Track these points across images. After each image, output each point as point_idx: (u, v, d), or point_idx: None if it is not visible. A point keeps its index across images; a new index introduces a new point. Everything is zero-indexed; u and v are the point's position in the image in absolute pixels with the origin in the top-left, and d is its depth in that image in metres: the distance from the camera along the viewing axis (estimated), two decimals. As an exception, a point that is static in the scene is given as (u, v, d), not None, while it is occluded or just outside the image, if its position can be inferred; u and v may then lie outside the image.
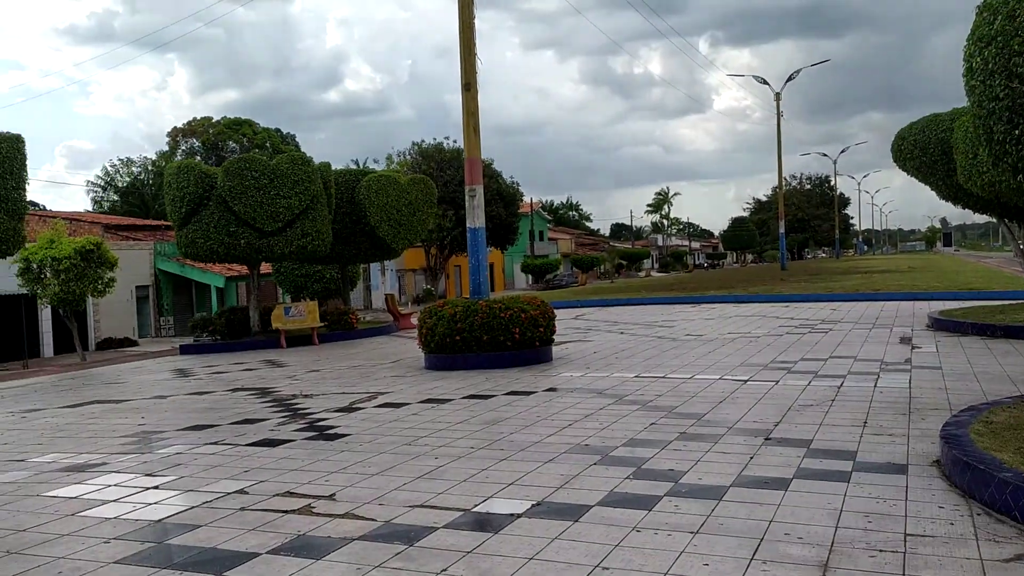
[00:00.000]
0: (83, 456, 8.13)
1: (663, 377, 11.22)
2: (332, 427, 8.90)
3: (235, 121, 77.73)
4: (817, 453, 6.66)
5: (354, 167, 28.12)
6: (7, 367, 27.70)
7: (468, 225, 14.73)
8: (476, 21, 14.84)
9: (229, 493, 6.38)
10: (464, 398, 10.37)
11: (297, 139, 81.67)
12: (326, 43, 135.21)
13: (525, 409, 9.32)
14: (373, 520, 5.50)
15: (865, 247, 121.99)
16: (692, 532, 4.93)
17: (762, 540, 4.74)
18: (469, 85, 14.72)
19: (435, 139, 56.16)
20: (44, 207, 67.41)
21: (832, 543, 4.64)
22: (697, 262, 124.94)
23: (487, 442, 7.70)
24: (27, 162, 14.46)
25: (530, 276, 77.27)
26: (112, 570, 4.84)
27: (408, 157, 55.12)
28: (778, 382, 10.32)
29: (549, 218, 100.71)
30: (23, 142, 14.44)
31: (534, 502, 5.71)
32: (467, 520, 5.40)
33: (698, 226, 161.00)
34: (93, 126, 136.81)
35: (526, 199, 72.77)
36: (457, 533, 5.15)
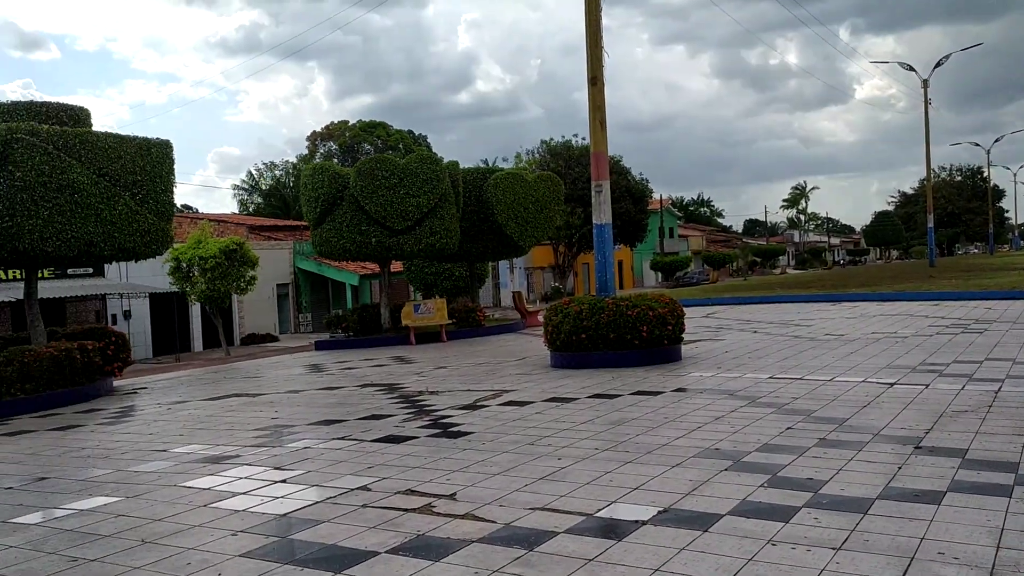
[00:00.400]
0: (219, 448, 8.39)
1: (800, 379, 10.65)
2: (455, 425, 8.86)
3: (370, 124, 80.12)
4: (973, 464, 6.08)
5: (483, 166, 28.32)
6: (162, 360, 29.42)
7: (594, 221, 14.48)
8: (605, 19, 14.58)
9: (352, 489, 6.40)
10: (589, 397, 10.15)
11: (429, 140, 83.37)
12: (457, 46, 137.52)
13: (652, 410, 9.01)
14: (493, 522, 5.36)
15: (1022, 242, 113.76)
16: (834, 548, 4.55)
17: (912, 559, 4.31)
18: (595, 79, 14.47)
19: (563, 137, 56.14)
20: (197, 210, 71.47)
21: (993, 565, 4.17)
22: (837, 259, 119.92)
23: (612, 443, 7.46)
24: (175, 167, 15.16)
25: (659, 273, 76.08)
26: (237, 563, 4.88)
27: (537, 155, 55.28)
28: (928, 386, 9.59)
29: (679, 215, 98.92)
30: (171, 148, 15.15)
31: (660, 508, 5.43)
32: (589, 525, 5.19)
33: (838, 221, 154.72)
34: (241, 132, 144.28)
35: (655, 196, 71.70)
36: (579, 539, 4.94)
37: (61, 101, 14.63)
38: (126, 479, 7.23)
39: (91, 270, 28.92)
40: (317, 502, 6.10)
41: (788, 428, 7.66)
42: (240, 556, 5.00)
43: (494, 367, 14.24)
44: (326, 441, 8.38)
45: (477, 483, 6.38)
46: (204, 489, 6.69)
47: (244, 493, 6.51)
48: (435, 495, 6.10)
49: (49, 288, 26.48)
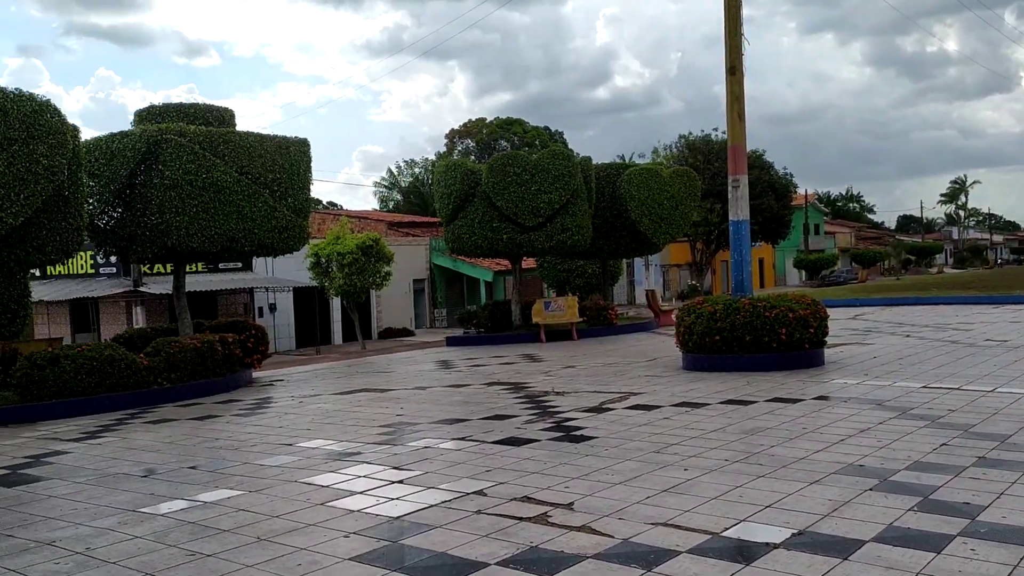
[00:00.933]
0: (343, 444, 8.43)
1: (957, 389, 9.77)
2: (579, 428, 8.58)
3: (506, 121, 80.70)
4: None
5: (617, 162, 27.85)
6: (303, 352, 30.52)
7: (730, 218, 13.85)
8: (749, 9, 13.98)
9: (468, 494, 6.22)
10: (721, 403, 9.64)
11: (565, 136, 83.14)
12: (595, 41, 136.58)
13: (789, 419, 8.44)
14: (610, 536, 5.05)
15: None
16: (996, 590, 4.00)
17: (1095, 610, 3.72)
18: (734, 68, 13.83)
19: (702, 131, 54.69)
20: (341, 207, 74.04)
21: None
22: (1000, 257, 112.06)
23: (744, 455, 6.99)
24: (312, 164, 15.55)
25: (803, 272, 73.15)
26: (346, 568, 4.78)
27: (674, 150, 54.12)
28: (1109, 401, 8.57)
29: (826, 210, 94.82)
30: (308, 146, 15.54)
31: (795, 530, 4.98)
32: (715, 546, 4.80)
33: (1001, 217, 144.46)
34: (384, 131, 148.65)
35: (800, 191, 68.92)
36: (702, 561, 4.57)
37: (210, 103, 15.28)
38: (251, 472, 7.33)
39: (240, 265, 30.25)
40: (432, 505, 5.96)
41: (943, 444, 6.97)
42: (350, 560, 4.90)
43: (623, 368, 13.85)
44: (446, 441, 8.27)
45: (596, 492, 6.07)
46: (323, 487, 6.68)
47: (361, 492, 6.45)
48: (552, 504, 5.84)
49: (202, 281, 27.91)
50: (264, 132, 14.93)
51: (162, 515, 6.07)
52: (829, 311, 13.50)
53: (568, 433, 8.34)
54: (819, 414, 8.65)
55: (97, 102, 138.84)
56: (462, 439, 8.32)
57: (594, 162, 23.12)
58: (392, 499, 6.19)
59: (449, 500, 6.07)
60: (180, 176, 13.34)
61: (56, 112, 11.53)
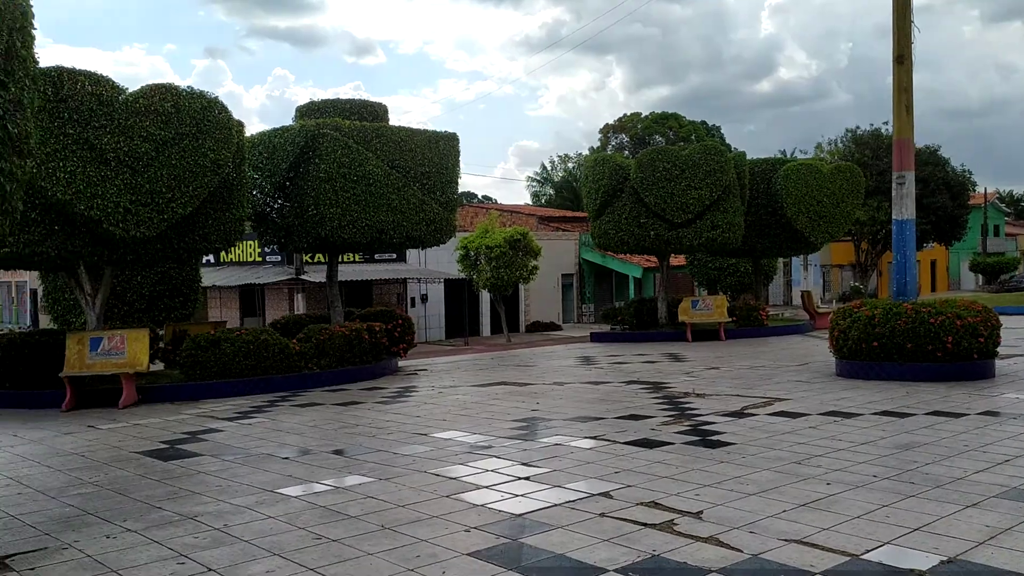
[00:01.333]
0: (475, 436, 8.47)
1: None
2: (716, 433, 8.25)
3: (662, 115, 79.39)
4: None
5: (773, 157, 26.78)
6: (452, 343, 31.17)
7: (894, 217, 12.98)
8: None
9: (594, 495, 6.08)
10: (875, 414, 9.03)
11: (723, 131, 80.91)
12: (759, 32, 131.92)
13: (950, 435, 7.80)
14: (739, 551, 4.79)
15: None
16: None
17: None
18: (902, 57, 12.94)
19: (871, 125, 51.83)
20: (496, 201, 75.12)
21: None
22: None
23: (894, 471, 6.50)
24: (460, 158, 15.76)
25: (980, 276, 68.13)
26: (463, 563, 4.76)
27: (840, 145, 51.58)
28: None
29: (1008, 210, 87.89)
30: (457, 140, 15.77)
31: (945, 558, 4.56)
32: (853, 569, 4.46)
33: None
34: (540, 127, 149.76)
35: (979, 189, 64.18)
36: (836, 585, 4.25)
37: (365, 98, 15.77)
38: (384, 460, 7.48)
39: (394, 256, 31.18)
40: (555, 504, 5.86)
41: None
42: (468, 555, 4.88)
43: (770, 371, 13.28)
44: (578, 439, 8.15)
45: (729, 502, 5.80)
46: (451, 479, 6.71)
47: (487, 487, 6.43)
48: (680, 511, 5.62)
49: (358, 271, 28.99)
50: (419, 127, 15.26)
51: (296, 497, 6.27)
52: (1004, 319, 12.44)
53: (704, 438, 8.04)
54: (984, 431, 7.95)
55: (273, 100, 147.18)
56: (594, 438, 8.18)
57: (753, 157, 22.31)
58: (517, 496, 6.14)
59: (574, 500, 5.96)
60: (334, 169, 13.84)
61: (223, 108, 12.21)
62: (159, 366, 14.08)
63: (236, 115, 12.47)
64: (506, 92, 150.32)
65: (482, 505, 5.92)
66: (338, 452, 7.95)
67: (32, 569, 4.84)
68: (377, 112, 15.56)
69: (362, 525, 5.52)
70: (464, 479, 6.69)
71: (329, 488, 6.52)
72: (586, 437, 8.23)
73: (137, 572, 4.77)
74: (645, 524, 5.35)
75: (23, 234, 10.88)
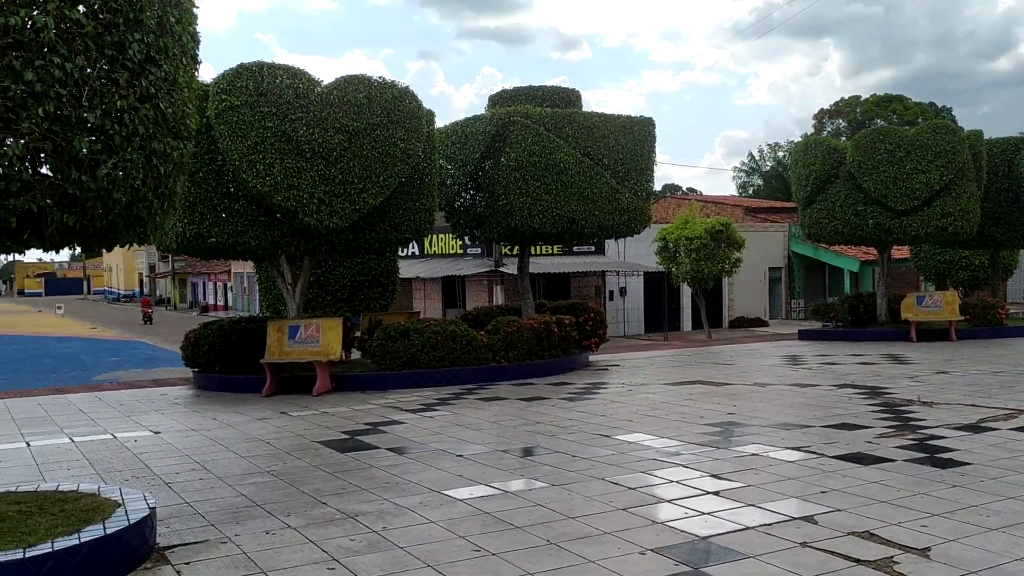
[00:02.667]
0: (662, 440, 7.77)
1: None
2: (947, 449, 7.08)
3: (884, 98, 73.98)
4: None
5: (1019, 136, 23.73)
6: (650, 337, 30.31)
7: None
8: None
9: (794, 518, 5.25)
10: None
11: (954, 113, 74.22)
12: (997, 6, 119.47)
13: None
14: (978, 605, 3.86)
15: None
16: None
17: None
18: None
19: None
20: (700, 193, 73.04)
21: None
22: None
23: None
24: (656, 144, 14.99)
25: None
26: (633, 592, 4.14)
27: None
28: None
29: None
30: (653, 126, 14.99)
31: None
32: None
33: None
34: (748, 116, 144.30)
35: None
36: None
37: (557, 84, 15.30)
38: (560, 464, 6.96)
39: (592, 248, 30.75)
40: (747, 528, 5.09)
41: None
42: (639, 583, 4.25)
43: (1013, 378, 11.55)
44: (779, 449, 7.25)
45: (964, 537, 4.80)
46: (630, 488, 6.08)
47: (669, 501, 5.75)
48: (901, 546, 4.70)
49: (556, 263, 28.78)
50: (599, 112, 14.58)
51: (462, 500, 5.88)
52: None
53: (932, 455, 6.91)
54: None
55: (481, 98, 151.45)
56: (798, 449, 7.25)
57: (990, 137, 19.86)
58: (703, 513, 5.42)
59: (770, 524, 5.16)
60: (525, 158, 13.49)
61: (413, 98, 12.16)
62: (357, 355, 14.36)
63: (446, 114, 12.42)
64: (713, 81, 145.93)
65: (662, 522, 5.26)
66: (515, 452, 7.52)
67: (187, 564, 4.72)
68: (570, 98, 15.07)
69: (526, 538, 5.02)
70: (645, 490, 6.04)
71: (498, 492, 6.08)
72: (788, 447, 7.31)
73: (286, 575, 4.52)
74: (857, 560, 4.49)
75: (227, 225, 11.32)
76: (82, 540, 4.29)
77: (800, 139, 77.54)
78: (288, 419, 9.67)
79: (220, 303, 56.10)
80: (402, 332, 12.38)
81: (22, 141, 3.70)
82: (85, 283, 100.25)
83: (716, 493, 5.89)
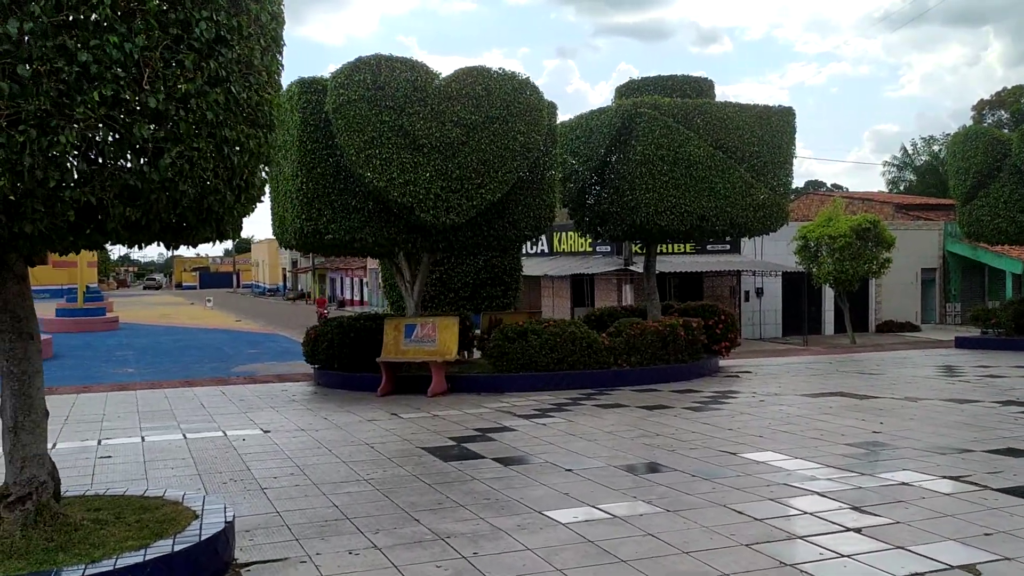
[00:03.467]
0: (795, 462, 6.98)
1: None
2: None
3: (1052, 86, 68.26)
4: None
5: None
6: (788, 341, 28.82)
7: None
8: None
9: (951, 567, 4.44)
10: None
11: None
12: None
13: None
14: None
15: None
16: None
17: None
18: None
19: None
20: (846, 189, 69.53)
21: None
22: None
23: None
24: (795, 136, 13.93)
25: None
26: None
27: None
28: None
29: None
30: (794, 116, 13.95)
31: None
32: None
33: None
34: (899, 108, 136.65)
35: None
36: None
37: (688, 74, 14.46)
38: (678, 484, 6.30)
39: (728, 246, 29.53)
40: (894, 577, 4.33)
41: None
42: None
43: None
44: (934, 478, 6.34)
45: None
46: (756, 519, 5.38)
47: (802, 538, 5.02)
48: (1090, 614, 3.84)
49: (689, 262, 27.73)
50: (733, 102, 13.64)
51: (564, 524, 5.34)
52: None
53: (1124, 494, 5.85)
54: None
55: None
56: (956, 479, 6.32)
57: None
58: (842, 556, 4.68)
59: (922, 573, 4.37)
60: (651, 151, 12.78)
61: (534, 90, 11.68)
62: (477, 354, 14.05)
63: (581, 111, 11.85)
64: (861, 73, 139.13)
65: (791, 565, 4.56)
66: (629, 468, 6.91)
67: (260, 584, 4.39)
68: (701, 87, 14.21)
69: (628, 574, 4.44)
70: (774, 522, 5.32)
71: (605, 516, 5.50)
72: (945, 476, 6.39)
73: (361, 605, 4.11)
74: (1033, 630, 3.68)
75: (344, 221, 11.17)
76: (147, 557, 4.02)
77: (958, 130, 72.40)
78: (398, 422, 9.39)
79: (356, 298, 57.62)
80: (520, 333, 11.93)
81: (76, 127, 3.43)
82: (235, 277, 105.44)
83: (858, 530, 5.11)
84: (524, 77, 11.64)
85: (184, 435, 8.73)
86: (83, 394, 12.11)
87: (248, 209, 4.43)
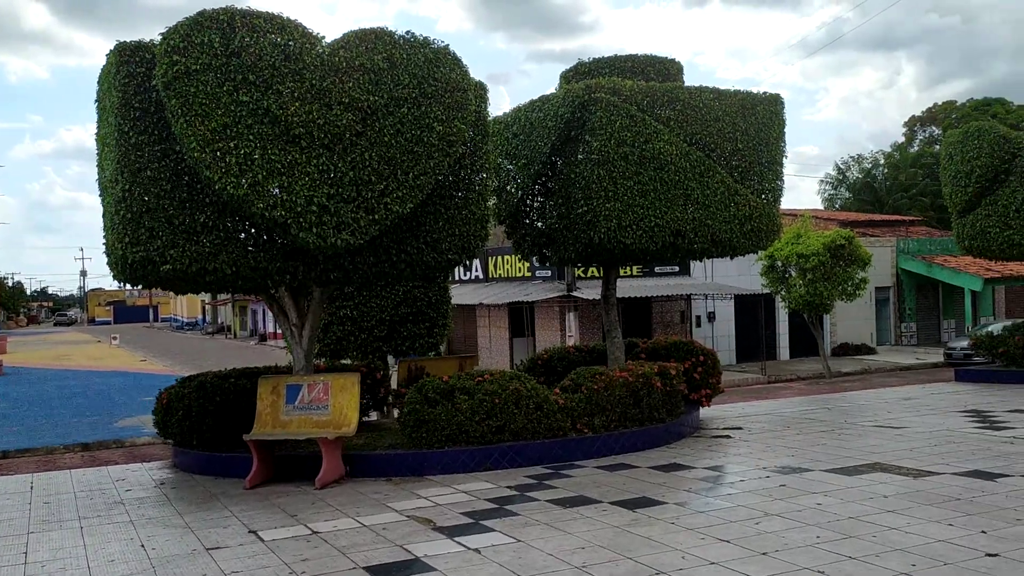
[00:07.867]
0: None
1: None
2: None
3: (983, 102, 68.55)
4: None
5: None
6: (745, 368, 26.30)
7: None
8: None
9: None
10: None
11: (1056, 116, 68.22)
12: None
13: None
14: None
15: None
16: None
17: None
18: None
19: None
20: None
21: None
22: None
23: None
24: (785, 131, 11.24)
25: None
26: None
27: None
28: None
29: None
30: (782, 105, 11.31)
31: None
32: None
33: None
34: (818, 131, 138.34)
35: None
36: None
37: (651, 53, 11.62)
38: None
39: (676, 268, 27.05)
40: None
41: None
42: None
43: None
44: None
45: None
46: None
47: None
48: None
49: (636, 287, 25.04)
50: (710, 87, 10.82)
51: None
52: None
53: None
54: None
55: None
56: None
57: None
58: None
59: None
60: (611, 148, 9.87)
61: (456, 62, 8.69)
62: (395, 413, 10.92)
63: (518, 105, 8.84)
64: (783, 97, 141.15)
65: None
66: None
67: None
68: (668, 71, 11.37)
69: None
70: None
71: None
72: None
73: None
74: None
75: (189, 245, 7.87)
76: None
77: (891, 148, 72.14)
78: (251, 552, 6.16)
79: (280, 331, 53.87)
80: (445, 392, 8.80)
81: None
82: (152, 311, 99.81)
83: None
84: (442, 44, 8.64)
85: None
86: None
87: None
